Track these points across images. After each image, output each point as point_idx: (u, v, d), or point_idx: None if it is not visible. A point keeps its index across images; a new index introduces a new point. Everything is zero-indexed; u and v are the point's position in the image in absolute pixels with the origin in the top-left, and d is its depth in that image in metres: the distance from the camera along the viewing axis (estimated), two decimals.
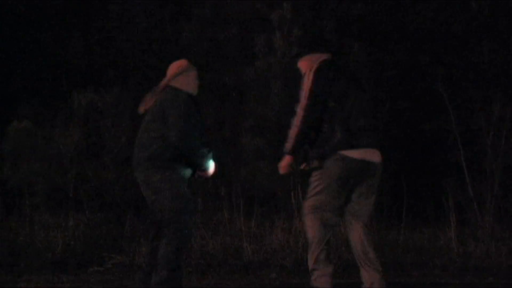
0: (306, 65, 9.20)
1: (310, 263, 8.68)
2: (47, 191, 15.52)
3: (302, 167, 9.09)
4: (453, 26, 18.31)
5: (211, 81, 17.79)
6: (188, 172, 9.53)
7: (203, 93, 18.01)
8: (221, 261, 13.27)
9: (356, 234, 8.60)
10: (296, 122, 8.85)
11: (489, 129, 15.47)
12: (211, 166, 9.67)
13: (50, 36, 19.86)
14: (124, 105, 16.50)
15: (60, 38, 19.71)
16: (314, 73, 8.91)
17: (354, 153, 8.63)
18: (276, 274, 12.66)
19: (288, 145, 8.88)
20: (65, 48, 19.63)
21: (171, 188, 9.16)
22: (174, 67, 10.50)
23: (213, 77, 17.83)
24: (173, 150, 9.25)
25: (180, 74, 10.25)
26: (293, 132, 8.88)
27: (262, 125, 16.44)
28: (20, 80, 19.56)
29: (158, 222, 9.27)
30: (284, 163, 8.96)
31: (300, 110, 8.90)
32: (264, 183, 15.70)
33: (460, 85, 17.14)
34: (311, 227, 8.76)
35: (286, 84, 16.63)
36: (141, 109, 10.03)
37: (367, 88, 8.87)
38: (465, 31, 17.88)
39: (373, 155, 8.55)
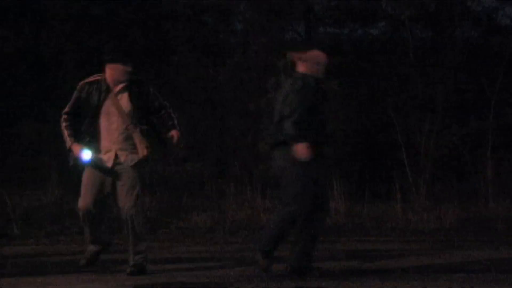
0: None
1: None
2: None
3: None
4: (398, 69, 18.29)
5: (238, 108, 17.86)
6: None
7: (233, 117, 18.14)
8: (246, 225, 13.29)
9: None
10: None
11: (422, 138, 15.49)
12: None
13: None
14: (178, 124, 16.48)
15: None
16: None
17: None
18: None
19: None
20: None
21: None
22: None
23: (240, 105, 17.86)
24: None
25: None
26: None
27: None
28: None
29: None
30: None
31: None
32: (274, 173, 15.75)
33: (403, 109, 17.13)
34: None
35: None
36: None
37: None
38: (406, 73, 17.85)
39: None
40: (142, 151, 7.22)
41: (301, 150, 6.85)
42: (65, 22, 19.26)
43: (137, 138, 7.24)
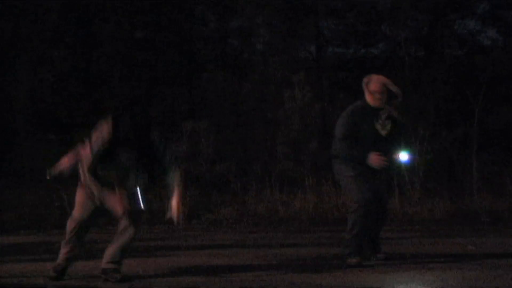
0: None
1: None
2: None
3: None
4: (395, 83, 18.25)
5: (259, 117, 17.88)
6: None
7: (255, 124, 18.16)
8: (265, 217, 13.29)
9: None
10: None
11: (416, 142, 15.40)
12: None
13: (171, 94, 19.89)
14: (208, 130, 16.55)
15: (173, 98, 19.78)
16: None
17: None
18: (297, 224, 12.70)
19: None
20: (176, 106, 19.66)
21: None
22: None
23: (260, 114, 17.89)
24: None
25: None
26: None
27: (288, 141, 16.46)
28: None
29: None
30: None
31: None
32: (290, 173, 15.71)
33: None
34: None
35: (302, 117, 16.67)
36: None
37: None
38: (402, 86, 17.76)
39: None
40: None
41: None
42: (113, 44, 19.37)
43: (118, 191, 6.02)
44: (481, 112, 17.11)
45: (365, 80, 7.09)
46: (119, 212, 6.08)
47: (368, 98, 7.01)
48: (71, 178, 6.40)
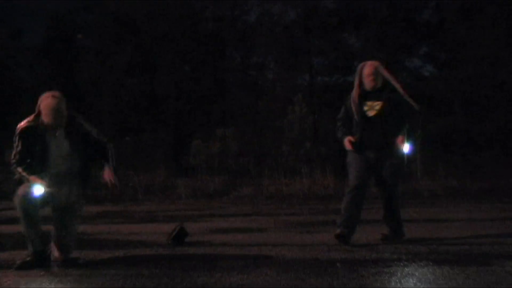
0: None
1: None
2: (206, 167, 15.57)
3: None
4: None
5: (270, 124, 17.87)
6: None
7: (267, 130, 18.10)
8: (275, 194, 13.27)
9: None
10: None
11: None
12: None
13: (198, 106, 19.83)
14: (234, 134, 16.52)
15: (209, 111, 19.75)
16: None
17: None
18: (296, 199, 12.69)
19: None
20: (212, 117, 19.63)
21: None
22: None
23: (270, 123, 17.88)
24: None
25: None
26: None
27: (290, 142, 16.45)
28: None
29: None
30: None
31: None
32: (291, 163, 15.70)
33: None
34: None
35: (300, 125, 16.65)
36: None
37: None
38: None
39: None
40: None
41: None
42: (169, 74, 19.52)
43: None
44: (424, 122, 17.11)
45: (360, 66, 5.58)
46: None
47: (365, 82, 5.47)
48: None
